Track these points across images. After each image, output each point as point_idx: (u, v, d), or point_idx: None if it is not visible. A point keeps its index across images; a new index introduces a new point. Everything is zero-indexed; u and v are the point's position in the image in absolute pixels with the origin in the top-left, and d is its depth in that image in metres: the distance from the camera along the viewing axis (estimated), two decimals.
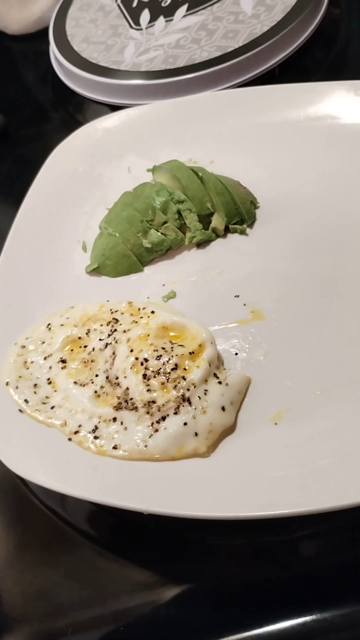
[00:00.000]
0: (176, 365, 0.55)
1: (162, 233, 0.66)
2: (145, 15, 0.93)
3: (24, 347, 0.61)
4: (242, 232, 0.67)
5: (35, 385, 0.58)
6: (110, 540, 0.58)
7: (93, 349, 0.59)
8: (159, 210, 0.66)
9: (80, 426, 0.55)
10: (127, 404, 0.55)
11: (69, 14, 0.97)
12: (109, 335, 0.59)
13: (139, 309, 0.61)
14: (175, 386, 0.54)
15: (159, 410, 0.54)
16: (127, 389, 0.55)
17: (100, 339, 0.59)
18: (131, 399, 0.55)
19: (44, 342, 0.61)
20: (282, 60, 0.85)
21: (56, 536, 0.58)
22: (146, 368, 0.55)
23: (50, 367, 0.59)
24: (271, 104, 0.73)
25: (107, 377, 0.57)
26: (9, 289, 0.65)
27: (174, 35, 0.89)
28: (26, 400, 0.57)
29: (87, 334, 0.60)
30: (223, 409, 0.54)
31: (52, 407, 0.56)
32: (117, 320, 0.60)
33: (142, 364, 0.56)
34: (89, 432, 0.55)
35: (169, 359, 0.55)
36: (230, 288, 0.63)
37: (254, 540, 0.55)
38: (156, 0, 0.94)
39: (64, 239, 0.70)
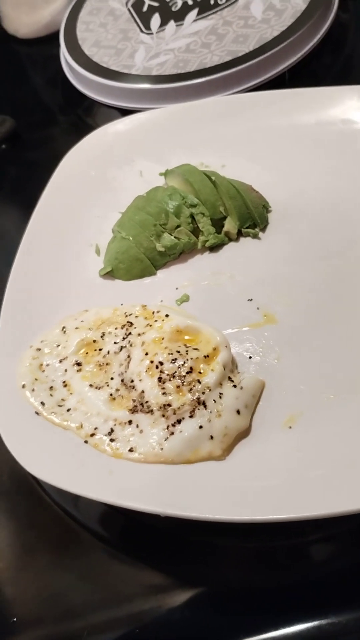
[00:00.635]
0: (191, 368, 0.56)
1: (175, 237, 0.66)
2: (155, 20, 0.94)
3: (39, 350, 0.61)
4: (255, 236, 0.67)
5: (51, 388, 0.59)
6: (123, 543, 0.59)
7: (108, 352, 0.59)
8: (172, 214, 0.66)
9: (96, 429, 0.55)
10: (143, 407, 0.55)
11: (80, 18, 0.98)
12: (124, 338, 0.60)
13: (153, 313, 0.61)
14: (191, 389, 0.55)
15: (174, 414, 0.54)
16: (143, 392, 0.55)
17: (115, 342, 0.60)
18: (147, 402, 0.55)
19: (59, 345, 0.61)
20: (292, 65, 0.85)
21: (70, 538, 0.58)
22: (161, 371, 0.56)
23: (65, 370, 0.59)
24: (282, 108, 0.74)
25: (122, 380, 0.57)
26: (23, 292, 0.66)
27: (185, 40, 0.89)
28: (42, 403, 0.57)
29: (101, 337, 0.61)
30: (238, 412, 0.54)
31: (68, 410, 0.57)
32: (131, 324, 0.61)
33: (157, 367, 0.56)
34: (105, 435, 0.55)
35: (184, 362, 0.56)
36: (243, 292, 0.63)
37: (266, 544, 0.55)
38: (167, 5, 0.95)
39: (77, 243, 0.70)
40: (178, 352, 0.57)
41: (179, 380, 0.55)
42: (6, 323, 0.63)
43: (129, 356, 0.58)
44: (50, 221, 0.71)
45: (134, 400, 0.56)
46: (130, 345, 0.59)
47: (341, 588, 0.52)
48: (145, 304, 0.63)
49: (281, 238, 0.67)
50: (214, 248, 0.68)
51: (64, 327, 0.62)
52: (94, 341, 0.61)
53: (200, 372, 0.56)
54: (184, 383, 0.55)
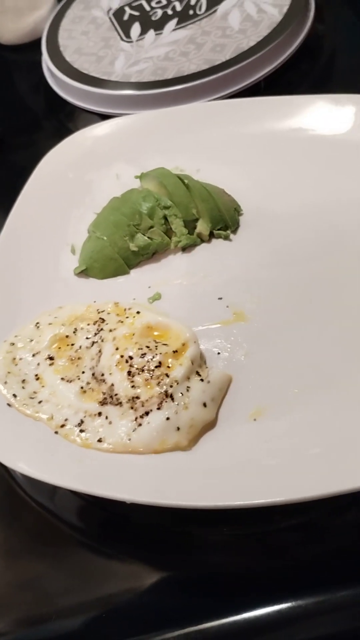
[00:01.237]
0: (160, 362, 0.57)
1: (148, 237, 0.68)
2: (135, 28, 0.96)
3: (13, 344, 0.63)
4: (226, 238, 0.69)
5: (24, 380, 0.60)
6: (97, 533, 0.60)
7: (80, 347, 0.61)
8: (145, 215, 0.68)
9: (66, 420, 0.57)
10: (112, 399, 0.57)
11: (62, 25, 1.00)
12: (96, 334, 0.61)
13: (124, 310, 0.63)
14: (159, 383, 0.56)
15: (142, 406, 0.56)
16: (112, 385, 0.57)
17: (87, 338, 0.61)
18: (116, 394, 0.57)
19: (32, 340, 0.63)
20: (268, 74, 0.88)
21: (43, 528, 0.60)
22: (131, 365, 0.58)
23: (38, 364, 0.61)
24: (255, 115, 0.76)
25: (93, 374, 0.59)
26: (0, 289, 0.67)
27: (163, 48, 0.92)
28: (14, 395, 0.59)
29: (74, 332, 0.62)
30: (204, 405, 0.56)
31: (40, 402, 0.58)
32: (103, 320, 0.62)
33: (127, 361, 0.58)
34: (75, 426, 0.57)
35: (153, 357, 0.58)
36: (214, 291, 0.65)
37: (234, 531, 0.57)
38: (147, 14, 0.97)
39: (53, 242, 0.72)
40: (148, 347, 0.59)
41: (148, 374, 0.57)
42: None
43: (100, 351, 0.60)
44: (28, 221, 0.73)
45: (104, 393, 0.57)
46: (102, 341, 0.61)
47: (306, 573, 0.54)
48: (117, 302, 0.64)
49: (251, 240, 0.69)
50: (187, 249, 0.70)
51: (37, 323, 0.64)
52: (67, 336, 0.62)
53: (168, 367, 0.58)
54: (153, 377, 0.57)
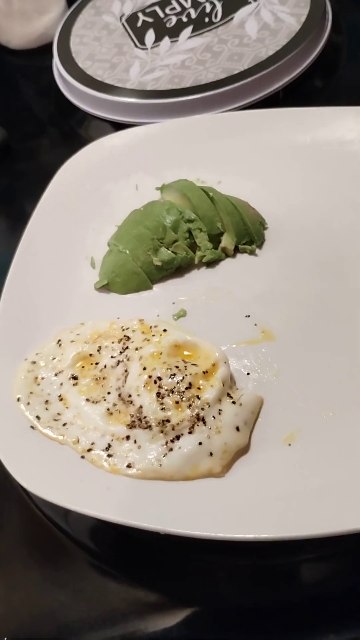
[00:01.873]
0: (190, 384, 0.55)
1: (172, 251, 0.66)
2: (150, 35, 0.94)
3: (34, 362, 0.60)
4: (252, 253, 0.67)
5: (47, 401, 0.58)
6: (116, 559, 0.58)
7: (105, 366, 0.59)
8: (169, 229, 0.66)
9: (93, 444, 0.55)
10: (141, 422, 0.54)
11: (73, 31, 0.98)
12: (121, 352, 0.59)
13: (150, 327, 0.61)
14: (190, 405, 0.54)
15: (173, 429, 0.53)
16: (141, 407, 0.55)
17: (112, 356, 0.59)
18: (145, 417, 0.54)
19: (54, 358, 0.60)
20: (286, 84, 0.86)
21: (62, 555, 0.58)
22: (160, 386, 0.55)
23: (61, 384, 0.59)
24: (279, 127, 0.75)
25: (119, 395, 0.57)
26: (17, 304, 0.65)
27: (180, 56, 0.90)
28: (38, 417, 0.56)
29: (98, 350, 0.60)
30: (237, 429, 0.54)
31: (64, 424, 0.56)
32: (128, 338, 0.60)
33: (155, 382, 0.56)
34: (102, 450, 0.54)
35: (183, 378, 0.56)
36: (241, 308, 0.63)
37: (261, 562, 0.55)
38: (161, 21, 0.95)
39: (72, 256, 0.70)
40: (177, 367, 0.56)
41: (178, 396, 0.55)
42: (1, 335, 0.62)
43: (126, 370, 0.58)
44: (45, 233, 0.70)
45: (131, 416, 0.55)
46: (128, 360, 0.58)
47: (336, 608, 0.52)
48: (142, 318, 0.62)
49: (278, 255, 0.67)
50: (211, 263, 0.68)
51: (59, 340, 0.61)
52: (90, 355, 0.60)
53: (199, 388, 0.56)
54: (183, 399, 0.55)
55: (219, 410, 0.54)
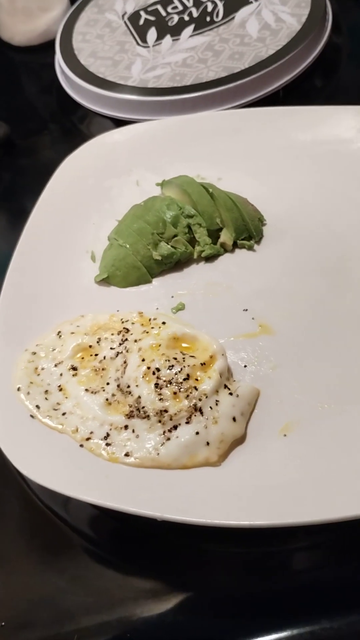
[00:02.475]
0: (188, 375, 0.56)
1: (172, 246, 0.67)
2: (152, 34, 0.95)
3: (34, 353, 0.61)
4: (250, 248, 0.68)
5: (46, 391, 0.59)
6: (114, 546, 0.59)
7: (104, 358, 0.60)
8: (169, 224, 0.67)
9: (91, 433, 0.56)
10: (139, 412, 0.55)
11: (76, 28, 0.99)
12: (120, 344, 0.60)
13: (149, 320, 0.62)
14: (187, 396, 0.55)
15: (170, 419, 0.54)
16: (139, 397, 0.56)
17: (111, 348, 0.60)
18: (143, 407, 0.55)
19: (54, 349, 0.61)
20: (286, 83, 0.87)
21: (60, 542, 0.58)
22: (158, 377, 0.56)
23: (61, 374, 0.59)
24: (280, 125, 0.76)
25: (118, 386, 0.58)
26: (18, 296, 0.65)
27: (181, 54, 0.91)
28: (37, 406, 0.57)
29: (97, 342, 0.61)
30: (234, 419, 0.55)
31: (64, 414, 0.57)
32: (127, 330, 0.61)
33: (153, 373, 0.57)
34: (101, 439, 0.55)
35: (181, 369, 0.56)
36: (239, 302, 0.64)
37: (256, 549, 0.56)
38: (163, 20, 0.96)
39: (72, 249, 0.70)
40: (175, 359, 0.57)
41: (176, 387, 0.56)
42: (1, 327, 0.63)
43: (125, 362, 0.59)
44: (46, 227, 0.71)
45: (130, 406, 0.56)
46: (127, 351, 0.59)
47: (329, 594, 0.53)
48: (142, 311, 0.63)
49: (276, 251, 0.68)
50: (210, 258, 0.68)
51: (59, 332, 0.62)
52: (90, 346, 0.61)
53: (197, 379, 0.56)
54: (181, 389, 0.55)
55: (216, 401, 0.55)
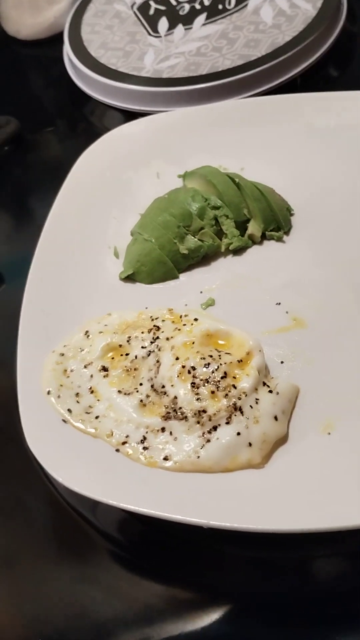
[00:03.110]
0: (225, 373, 0.54)
1: (198, 239, 0.64)
2: (163, 23, 0.92)
3: (62, 355, 0.59)
4: (279, 239, 0.66)
5: (77, 394, 0.56)
6: (148, 555, 0.56)
7: (135, 357, 0.57)
8: (195, 216, 0.64)
9: (127, 437, 0.53)
10: (176, 413, 0.53)
11: (84, 20, 0.96)
12: (151, 342, 0.58)
13: (180, 316, 0.59)
14: (226, 395, 0.53)
15: (210, 420, 0.52)
16: (175, 398, 0.53)
17: (142, 347, 0.58)
18: (180, 408, 0.53)
19: (82, 350, 0.59)
20: (304, 70, 0.84)
21: (93, 552, 0.56)
22: (194, 376, 0.54)
23: (91, 376, 0.57)
24: (301, 112, 0.73)
25: (152, 386, 0.55)
26: (42, 296, 0.63)
27: (194, 43, 0.88)
28: (69, 410, 0.55)
29: (127, 341, 0.58)
30: (275, 418, 0.52)
31: (97, 417, 0.55)
32: (158, 328, 0.59)
33: (189, 372, 0.54)
34: (137, 443, 0.53)
35: (218, 367, 0.54)
36: (270, 295, 0.62)
37: (300, 554, 0.54)
38: (174, 9, 0.94)
39: (94, 245, 0.68)
40: (210, 356, 0.55)
41: (214, 386, 0.53)
42: (26, 328, 0.61)
43: (158, 361, 0.56)
44: (66, 224, 0.69)
45: (166, 407, 0.54)
46: (159, 350, 0.57)
47: None
48: (171, 308, 0.61)
49: (305, 241, 0.66)
50: (238, 251, 0.66)
51: (87, 332, 0.60)
52: (120, 346, 0.58)
53: (234, 377, 0.54)
54: (219, 388, 0.53)
55: (256, 399, 0.53)
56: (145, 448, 0.52)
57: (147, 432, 0.53)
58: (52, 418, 0.55)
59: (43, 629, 0.53)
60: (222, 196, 0.65)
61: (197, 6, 0.93)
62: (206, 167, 0.69)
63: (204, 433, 0.52)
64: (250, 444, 0.51)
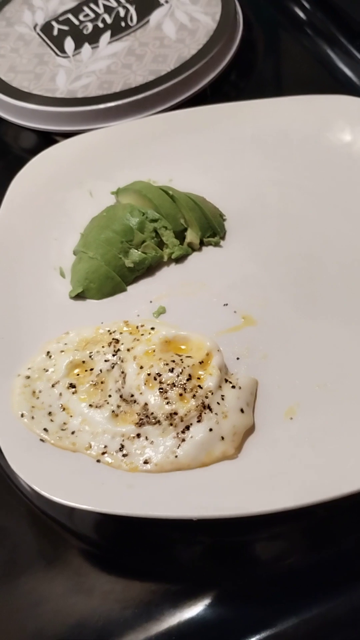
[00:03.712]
0: (190, 375, 0.57)
1: (142, 252, 0.67)
2: (69, 43, 0.94)
3: (28, 377, 0.60)
4: (217, 244, 0.70)
5: (50, 413, 0.58)
6: (136, 556, 0.58)
7: (100, 371, 0.60)
8: (136, 230, 0.67)
9: (105, 447, 0.56)
10: (149, 418, 0.56)
11: None
12: (113, 355, 0.60)
13: (137, 327, 0.62)
14: (194, 395, 0.56)
15: (182, 421, 0.55)
16: (146, 404, 0.56)
17: (105, 360, 0.60)
18: (152, 413, 0.56)
19: (47, 370, 0.60)
20: (212, 80, 0.89)
21: (83, 561, 0.58)
22: (160, 382, 0.57)
23: (60, 394, 0.59)
24: (222, 122, 0.77)
25: (121, 396, 0.58)
26: None
27: (104, 62, 0.91)
28: (45, 430, 0.57)
29: (90, 357, 0.61)
30: (242, 410, 0.56)
31: (73, 432, 0.57)
32: (117, 340, 0.61)
33: (155, 378, 0.57)
34: (116, 452, 0.55)
35: (182, 371, 0.57)
36: (217, 298, 0.66)
37: (281, 531, 0.58)
38: (77, 28, 0.96)
39: (40, 268, 0.69)
40: (173, 361, 0.58)
41: (181, 388, 0.57)
42: None
43: (122, 372, 0.59)
44: (9, 250, 0.69)
45: (138, 414, 0.56)
46: (122, 361, 0.59)
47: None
48: (127, 320, 0.63)
49: (241, 244, 0.70)
50: (180, 259, 0.70)
51: (48, 352, 0.62)
52: (83, 362, 0.61)
53: (199, 378, 0.58)
54: (186, 390, 0.56)
55: (222, 396, 0.57)
56: (124, 455, 0.55)
57: (123, 440, 0.56)
58: (31, 439, 0.56)
59: None
60: (158, 209, 0.68)
61: (100, 24, 0.96)
62: (138, 182, 0.72)
63: (178, 434, 0.55)
64: (222, 438, 0.55)
